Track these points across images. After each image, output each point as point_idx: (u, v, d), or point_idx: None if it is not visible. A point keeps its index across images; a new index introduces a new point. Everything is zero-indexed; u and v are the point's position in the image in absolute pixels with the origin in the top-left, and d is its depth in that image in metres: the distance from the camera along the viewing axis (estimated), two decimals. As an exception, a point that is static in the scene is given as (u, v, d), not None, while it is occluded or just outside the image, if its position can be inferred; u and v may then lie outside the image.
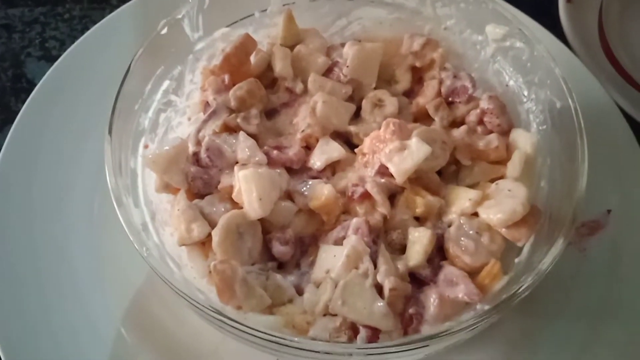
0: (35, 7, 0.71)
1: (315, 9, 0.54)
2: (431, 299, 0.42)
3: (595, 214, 0.54)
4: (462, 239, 0.44)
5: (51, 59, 0.66)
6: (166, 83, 0.52)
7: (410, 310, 0.42)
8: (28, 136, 0.55)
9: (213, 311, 0.40)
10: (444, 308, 0.42)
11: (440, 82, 0.51)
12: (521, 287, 0.41)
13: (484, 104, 0.50)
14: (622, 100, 0.61)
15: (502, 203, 0.45)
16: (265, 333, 0.39)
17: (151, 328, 0.49)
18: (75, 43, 0.61)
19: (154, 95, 0.51)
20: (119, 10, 0.63)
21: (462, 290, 0.42)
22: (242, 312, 0.42)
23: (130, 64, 0.47)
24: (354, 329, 0.42)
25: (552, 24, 0.62)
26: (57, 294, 0.49)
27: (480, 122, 0.50)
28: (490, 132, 0.50)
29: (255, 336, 0.39)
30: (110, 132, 0.44)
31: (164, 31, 0.50)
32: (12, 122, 0.56)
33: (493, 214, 0.44)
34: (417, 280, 0.44)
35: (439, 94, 0.52)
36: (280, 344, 0.39)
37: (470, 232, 0.44)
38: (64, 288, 0.49)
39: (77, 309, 0.49)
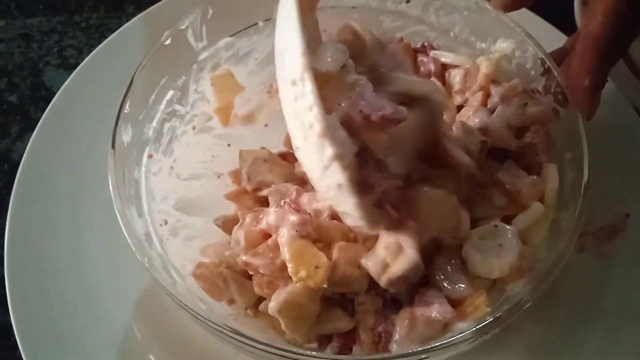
0: (52, 17, 0.73)
1: (318, 18, 0.53)
2: (402, 319, 0.41)
3: (613, 218, 0.53)
4: (447, 267, 0.43)
5: (69, 68, 0.67)
6: (170, 93, 0.52)
7: (380, 328, 0.42)
8: (48, 144, 0.57)
9: (213, 322, 0.40)
10: (416, 328, 0.41)
11: (488, 96, 0.49)
12: (499, 316, 0.40)
13: (529, 136, 0.46)
14: (638, 100, 0.59)
15: (485, 254, 0.42)
16: (266, 344, 0.39)
17: (163, 325, 0.49)
18: (93, 52, 0.62)
19: (158, 105, 0.52)
20: (135, 18, 0.64)
21: (436, 309, 0.41)
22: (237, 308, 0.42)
23: (133, 76, 0.48)
24: (326, 337, 0.42)
25: (569, 27, 0.61)
26: (69, 292, 0.50)
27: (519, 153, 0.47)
28: (527, 166, 0.47)
29: (257, 348, 0.39)
30: (113, 145, 0.45)
31: (168, 42, 0.50)
32: (32, 131, 0.57)
33: (472, 260, 0.42)
34: (395, 303, 0.43)
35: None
36: (282, 356, 0.39)
37: (454, 261, 0.43)
38: (76, 286, 0.51)
39: (87, 304, 0.50)
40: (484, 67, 0.50)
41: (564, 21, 0.62)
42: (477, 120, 0.48)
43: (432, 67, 0.53)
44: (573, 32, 0.57)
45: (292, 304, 0.41)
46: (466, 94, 0.51)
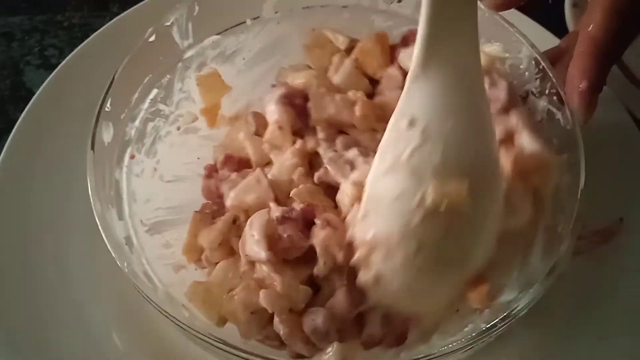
0: (35, 15, 0.71)
1: (308, 17, 0.53)
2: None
3: (607, 222, 0.53)
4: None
5: (50, 67, 0.66)
6: (154, 92, 0.51)
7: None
8: (26, 145, 0.55)
9: (196, 331, 0.38)
10: None
11: None
12: (491, 325, 0.39)
13: (513, 120, 0.46)
14: (632, 104, 0.59)
15: None
16: (250, 353, 0.38)
17: (145, 333, 0.48)
18: (74, 51, 0.60)
19: (141, 104, 0.50)
20: (118, 17, 0.63)
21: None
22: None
23: (114, 74, 0.46)
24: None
25: (560, 29, 0.60)
26: (49, 298, 0.49)
27: (506, 141, 0.46)
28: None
29: (241, 357, 0.38)
30: (92, 144, 0.43)
31: (152, 38, 0.49)
32: (10, 131, 0.56)
33: None
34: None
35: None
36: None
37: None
38: (57, 292, 0.49)
39: (68, 313, 0.48)
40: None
41: (554, 23, 0.62)
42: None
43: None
44: (564, 34, 0.57)
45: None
46: None
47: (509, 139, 0.45)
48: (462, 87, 0.37)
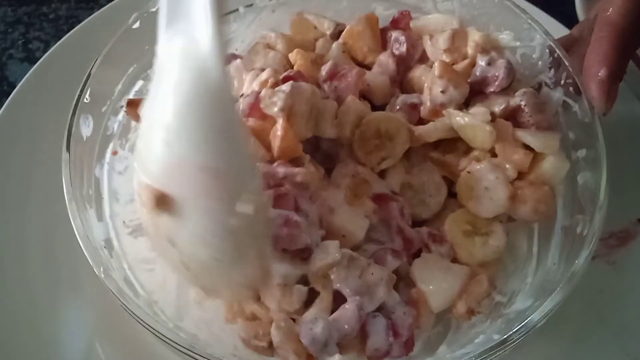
0: (19, 7, 0.68)
1: (304, 4, 0.50)
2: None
3: (624, 224, 0.50)
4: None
5: (35, 61, 0.62)
6: (139, 83, 0.48)
7: None
8: (5, 141, 0.52)
9: (177, 343, 0.36)
10: None
11: (473, 66, 0.46)
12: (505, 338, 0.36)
13: (517, 99, 0.44)
14: None
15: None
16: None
17: (128, 343, 0.45)
18: (58, 43, 0.58)
19: (125, 96, 0.47)
20: (105, 8, 0.60)
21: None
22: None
23: (93, 63, 0.43)
24: None
25: (567, 20, 0.58)
26: (29, 305, 0.46)
27: (510, 118, 0.44)
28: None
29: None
30: (68, 138, 0.40)
31: (136, 25, 0.46)
32: (-11, 128, 0.53)
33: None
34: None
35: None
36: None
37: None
38: (36, 299, 0.46)
39: (49, 321, 0.45)
40: (477, 35, 0.47)
41: (564, 15, 0.59)
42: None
43: (404, 48, 0.48)
44: (572, 25, 0.54)
45: None
46: (455, 55, 0.47)
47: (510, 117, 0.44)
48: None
